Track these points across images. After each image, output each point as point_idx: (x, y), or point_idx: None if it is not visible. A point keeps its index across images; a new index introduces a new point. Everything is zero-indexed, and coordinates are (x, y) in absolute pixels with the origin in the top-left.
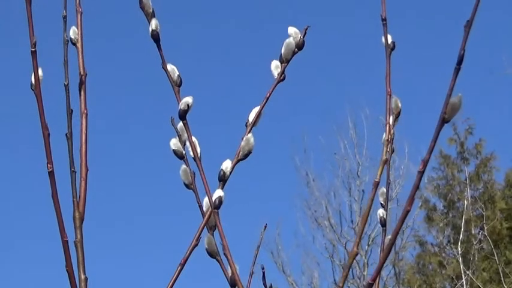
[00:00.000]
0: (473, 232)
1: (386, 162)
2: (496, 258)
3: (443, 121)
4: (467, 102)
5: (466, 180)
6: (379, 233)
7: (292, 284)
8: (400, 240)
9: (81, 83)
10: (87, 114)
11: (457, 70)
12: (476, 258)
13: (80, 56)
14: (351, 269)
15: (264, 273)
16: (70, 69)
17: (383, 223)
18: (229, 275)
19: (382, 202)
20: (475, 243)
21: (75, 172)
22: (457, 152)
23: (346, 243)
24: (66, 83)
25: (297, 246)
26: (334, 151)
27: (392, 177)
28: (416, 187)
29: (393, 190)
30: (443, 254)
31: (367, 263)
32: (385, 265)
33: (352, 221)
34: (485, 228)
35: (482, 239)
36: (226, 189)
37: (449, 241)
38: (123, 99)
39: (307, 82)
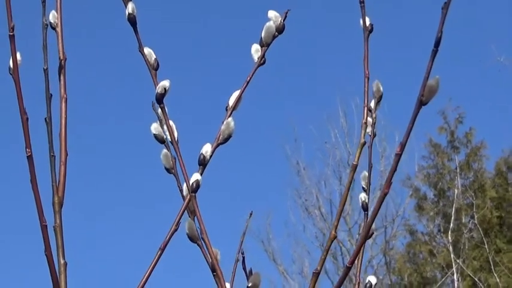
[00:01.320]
0: (463, 221)
1: (364, 145)
2: (486, 246)
3: (421, 103)
4: (458, 92)
5: (456, 169)
6: None
7: (283, 272)
8: (390, 229)
9: (61, 68)
10: (66, 99)
11: (434, 52)
12: (466, 247)
13: (60, 41)
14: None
15: (244, 258)
16: (49, 54)
17: (365, 207)
18: (209, 260)
19: (364, 186)
20: (465, 231)
21: (55, 157)
22: (447, 141)
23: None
24: (45, 68)
25: (288, 236)
26: (324, 140)
27: (383, 166)
28: (394, 170)
29: (383, 178)
30: (434, 243)
31: (362, 255)
32: (375, 254)
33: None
34: (476, 216)
35: (472, 227)
36: (217, 178)
37: (439, 230)
38: (103, 84)
39: (298, 71)
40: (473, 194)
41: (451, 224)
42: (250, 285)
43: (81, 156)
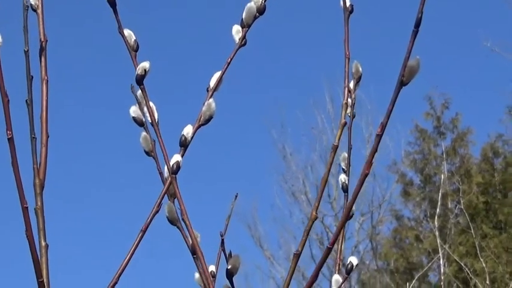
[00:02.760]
0: (449, 206)
1: (344, 125)
2: (472, 232)
3: (401, 84)
4: (444, 77)
5: (442, 154)
6: (356, 207)
7: (269, 258)
8: (376, 215)
9: (42, 50)
10: (47, 81)
11: (415, 33)
12: (452, 232)
13: (41, 22)
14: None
15: (222, 240)
16: (30, 36)
17: (345, 189)
18: (189, 242)
19: (343, 167)
20: (451, 217)
21: (36, 138)
22: (433, 127)
23: (323, 217)
24: (26, 49)
25: (274, 221)
26: (311, 125)
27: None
28: (375, 150)
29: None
30: (420, 228)
31: (344, 237)
32: (362, 240)
33: (329, 196)
34: (462, 202)
35: (458, 213)
36: (203, 163)
37: (425, 215)
38: (83, 66)
39: (284, 56)
40: (459, 180)
41: (437, 210)
42: (229, 267)
43: (63, 139)
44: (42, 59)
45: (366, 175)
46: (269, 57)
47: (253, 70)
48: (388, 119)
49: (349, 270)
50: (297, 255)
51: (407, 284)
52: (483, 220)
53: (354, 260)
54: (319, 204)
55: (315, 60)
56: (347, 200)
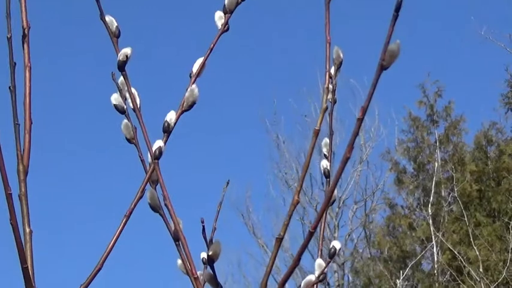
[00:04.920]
0: (443, 194)
1: (326, 110)
2: (465, 220)
3: (382, 68)
4: (437, 65)
5: (435, 142)
6: (350, 195)
7: (262, 246)
8: (370, 203)
9: (24, 36)
10: (30, 68)
11: (395, 17)
12: (446, 220)
13: (23, 9)
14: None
15: (203, 227)
16: (13, 22)
17: (326, 174)
18: (172, 228)
19: (325, 153)
20: (445, 205)
21: (19, 125)
22: (426, 115)
23: (316, 205)
24: (8, 36)
25: (268, 209)
26: (304, 113)
27: (362, 140)
28: (356, 134)
29: (364, 152)
30: (413, 216)
31: (338, 226)
32: (355, 228)
33: (322, 184)
34: (455, 190)
35: (452, 201)
36: (196, 151)
37: (419, 203)
38: (66, 52)
39: (278, 44)
40: (452, 168)
41: (431, 198)
42: (210, 253)
43: (46, 126)
44: (25, 46)
45: (347, 159)
46: (262, 45)
47: (246, 59)
48: (369, 102)
49: (332, 255)
50: (279, 240)
51: (401, 272)
52: (476, 208)
53: (336, 244)
54: (301, 188)
55: (308, 48)
56: (328, 185)
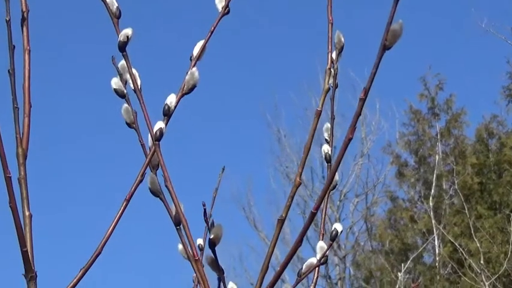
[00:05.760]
0: (444, 187)
1: (328, 91)
2: (467, 212)
3: (385, 48)
4: (438, 58)
5: (436, 135)
6: (351, 188)
7: (264, 239)
8: (371, 196)
9: (23, 19)
10: (29, 51)
11: None
12: (447, 213)
13: None
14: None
15: (205, 210)
16: (12, 5)
17: (327, 159)
18: (173, 212)
19: (326, 138)
20: (446, 198)
21: (18, 108)
22: (427, 108)
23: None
24: (7, 19)
25: (269, 203)
26: (305, 107)
27: (363, 133)
28: (358, 115)
29: (364, 146)
30: (415, 209)
31: (339, 219)
32: (356, 221)
33: (323, 177)
34: (456, 183)
35: (453, 193)
36: (197, 145)
37: (420, 196)
38: (66, 35)
39: (278, 38)
40: (453, 161)
41: (432, 190)
42: (212, 237)
43: (45, 109)
44: (24, 29)
45: (350, 139)
46: (262, 39)
47: (247, 53)
48: (371, 83)
49: (333, 237)
50: (281, 221)
51: (402, 264)
52: (478, 201)
53: (338, 226)
54: (302, 170)
55: (308, 42)
56: (329, 170)
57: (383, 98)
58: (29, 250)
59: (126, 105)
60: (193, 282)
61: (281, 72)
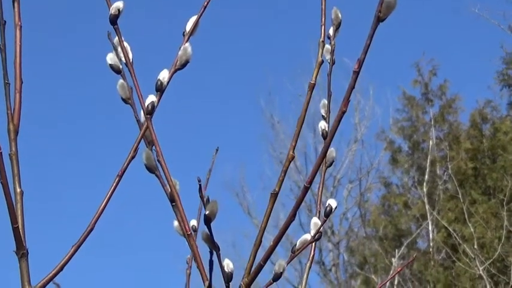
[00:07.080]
0: (438, 172)
1: (321, 63)
2: (460, 198)
3: (378, 20)
4: (432, 43)
5: (430, 121)
6: (344, 175)
7: (258, 225)
8: (365, 182)
9: None
10: (21, 26)
11: None
12: (441, 198)
13: None
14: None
15: (200, 186)
16: None
17: (324, 135)
18: (168, 189)
19: (323, 114)
20: (440, 183)
21: (9, 84)
22: (421, 93)
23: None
24: None
25: (263, 190)
26: (299, 93)
27: (357, 119)
28: (352, 87)
29: (358, 131)
30: (408, 195)
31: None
32: (350, 207)
33: None
34: (450, 168)
35: (447, 179)
36: (190, 132)
37: (414, 182)
38: (58, 10)
39: (271, 23)
40: (447, 146)
41: (426, 176)
42: (207, 213)
43: (37, 84)
44: (16, 5)
45: (343, 112)
46: (256, 26)
47: (240, 40)
48: (365, 54)
49: (328, 213)
50: (274, 195)
51: (396, 250)
52: (472, 186)
53: (332, 202)
54: (295, 143)
55: (302, 29)
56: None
57: (377, 83)
58: (20, 227)
59: (121, 80)
60: (187, 263)
61: (274, 58)
